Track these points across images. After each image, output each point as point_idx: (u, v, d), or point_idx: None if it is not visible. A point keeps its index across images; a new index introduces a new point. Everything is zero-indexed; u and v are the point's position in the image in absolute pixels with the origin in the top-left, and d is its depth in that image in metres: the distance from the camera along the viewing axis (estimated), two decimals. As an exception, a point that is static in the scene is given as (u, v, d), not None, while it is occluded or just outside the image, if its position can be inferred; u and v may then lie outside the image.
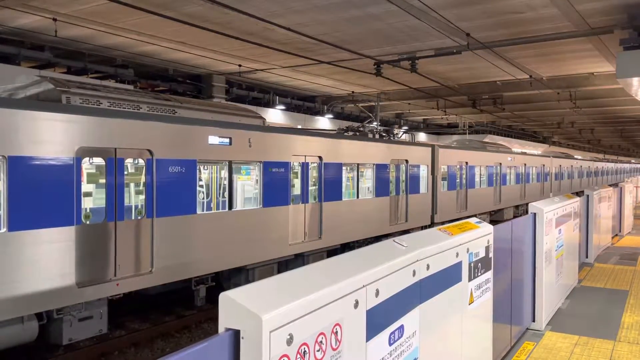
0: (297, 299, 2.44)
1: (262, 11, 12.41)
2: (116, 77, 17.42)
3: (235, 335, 2.19)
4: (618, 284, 10.70)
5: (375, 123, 21.89)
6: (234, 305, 2.23)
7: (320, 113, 27.23)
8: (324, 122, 27.17)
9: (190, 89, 20.82)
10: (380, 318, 3.21)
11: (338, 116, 28.62)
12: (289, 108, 25.16)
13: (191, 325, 9.92)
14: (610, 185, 17.02)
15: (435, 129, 39.37)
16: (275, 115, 23.84)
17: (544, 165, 30.63)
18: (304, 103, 26.22)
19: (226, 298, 2.25)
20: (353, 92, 25.42)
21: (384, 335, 3.27)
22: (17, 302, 6.71)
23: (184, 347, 7.74)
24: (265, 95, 23.54)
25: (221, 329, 2.23)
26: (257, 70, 19.88)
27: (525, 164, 27.30)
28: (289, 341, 2.33)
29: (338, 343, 2.73)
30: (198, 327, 9.92)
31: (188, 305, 10.91)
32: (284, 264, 11.92)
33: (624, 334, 7.52)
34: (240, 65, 18.92)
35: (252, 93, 22.95)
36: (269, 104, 23.63)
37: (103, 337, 8.69)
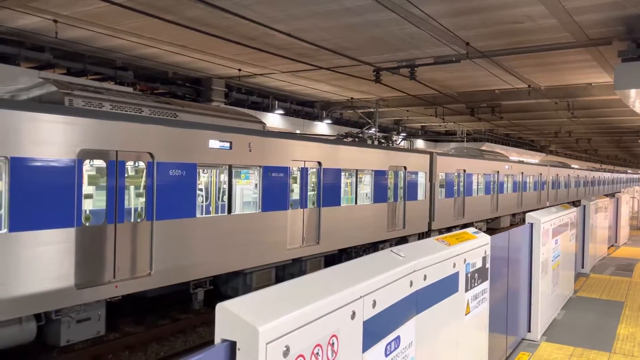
0: (294, 310, 2.44)
1: (263, 16, 12.43)
2: (116, 79, 17.40)
3: (232, 346, 2.18)
4: (613, 295, 10.71)
5: (373, 129, 21.93)
6: (231, 316, 2.22)
7: (319, 118, 27.26)
8: (322, 127, 27.20)
9: (190, 92, 20.81)
10: (376, 329, 3.20)
11: (337, 122, 28.64)
12: (288, 113, 25.17)
13: (186, 329, 9.88)
14: (606, 196, 17.05)
15: (433, 136, 39.44)
16: (274, 119, 23.85)
17: (541, 174, 30.69)
18: (303, 108, 26.24)
19: (223, 309, 2.24)
20: (352, 98, 25.46)
21: (381, 346, 3.26)
22: (16, 303, 6.73)
23: (178, 351, 7.59)
24: (264, 99, 23.55)
25: (217, 340, 2.22)
26: (256, 74, 19.90)
27: (522, 173, 27.35)
28: (286, 353, 2.32)
29: (334, 354, 2.73)
30: (193, 331, 9.89)
31: (183, 308, 10.88)
32: (282, 269, 11.91)
33: (619, 346, 7.53)
34: (240, 70, 18.93)
35: (252, 97, 22.96)
36: (268, 109, 23.64)
37: (97, 340, 8.66)
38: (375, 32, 13.82)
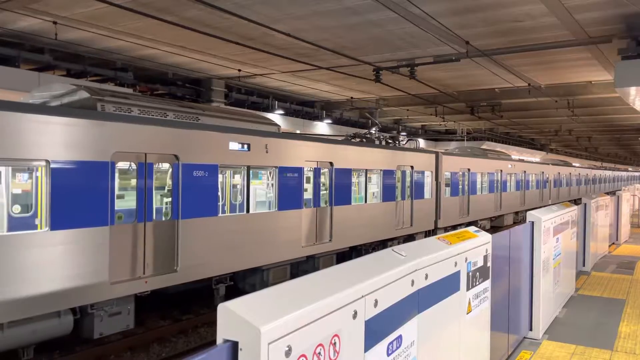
0: (296, 310, 2.44)
1: (262, 16, 12.43)
2: (115, 80, 17.40)
3: (234, 347, 2.18)
4: (615, 292, 10.70)
5: (374, 129, 21.94)
6: (233, 316, 2.22)
7: (319, 118, 27.24)
8: (322, 127, 27.18)
9: (190, 93, 20.80)
10: (378, 328, 3.20)
11: (337, 121, 28.63)
12: (288, 113, 25.16)
13: (188, 330, 9.89)
14: (607, 194, 17.04)
15: (434, 135, 39.43)
16: (274, 119, 23.80)
17: (543, 172, 30.75)
18: (303, 108, 26.23)
19: (224, 309, 2.24)
20: (352, 97, 25.46)
21: (383, 345, 3.26)
22: (56, 297, 7.08)
23: (180, 352, 7.62)
24: (264, 99, 23.54)
25: (219, 340, 2.22)
26: (256, 75, 19.89)
27: (524, 171, 27.38)
28: (288, 353, 2.32)
29: (336, 354, 2.73)
30: (194, 331, 9.89)
31: (184, 309, 10.89)
32: (296, 266, 12.18)
33: (621, 344, 7.52)
34: (239, 70, 18.93)
35: (251, 97, 22.95)
36: (268, 109, 23.64)
37: (99, 341, 8.66)
38: (375, 31, 13.82)
